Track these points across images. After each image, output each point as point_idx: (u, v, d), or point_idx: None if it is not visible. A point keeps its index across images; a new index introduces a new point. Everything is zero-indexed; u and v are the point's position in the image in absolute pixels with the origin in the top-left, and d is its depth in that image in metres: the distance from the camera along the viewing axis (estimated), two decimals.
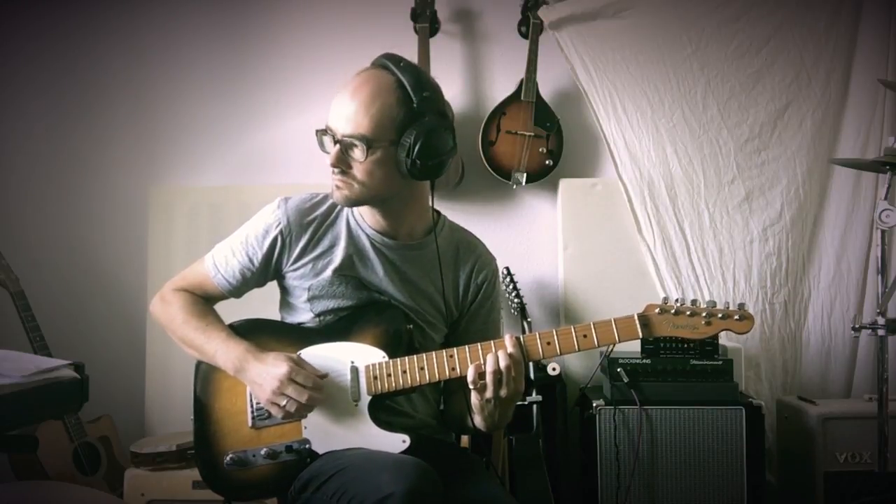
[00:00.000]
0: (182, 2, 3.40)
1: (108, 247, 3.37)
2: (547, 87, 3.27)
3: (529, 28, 3.22)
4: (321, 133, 1.72)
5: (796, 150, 3.22)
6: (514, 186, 3.22)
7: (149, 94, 3.40)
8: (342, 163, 1.69)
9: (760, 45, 3.23)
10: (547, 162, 3.20)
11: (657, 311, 1.66)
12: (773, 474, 3.03)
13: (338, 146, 1.68)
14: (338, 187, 1.72)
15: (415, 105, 1.66)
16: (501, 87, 3.31)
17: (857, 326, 2.56)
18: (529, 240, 3.36)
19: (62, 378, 1.61)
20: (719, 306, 1.66)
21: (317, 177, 2.98)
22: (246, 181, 3.34)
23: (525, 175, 3.19)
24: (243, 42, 3.39)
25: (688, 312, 1.65)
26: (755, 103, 3.23)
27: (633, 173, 3.22)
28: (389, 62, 1.70)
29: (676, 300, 1.67)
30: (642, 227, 3.21)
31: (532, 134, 3.20)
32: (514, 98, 3.23)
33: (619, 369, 2.70)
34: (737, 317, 1.65)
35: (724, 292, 3.18)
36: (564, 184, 3.26)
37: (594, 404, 2.71)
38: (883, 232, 2.56)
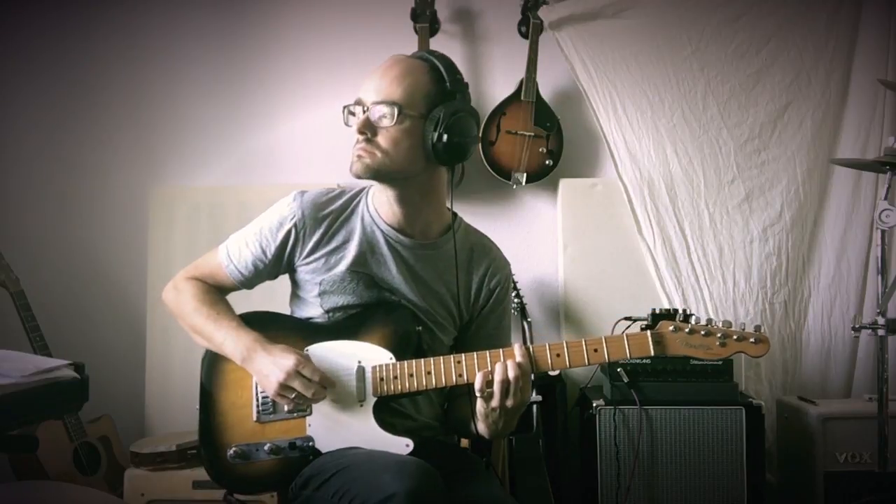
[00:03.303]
0: (182, 2, 3.40)
1: (108, 247, 3.37)
2: (547, 87, 3.27)
3: (529, 28, 3.22)
4: (348, 108, 1.73)
5: (796, 150, 3.23)
6: (514, 186, 3.21)
7: (149, 94, 3.40)
8: (368, 128, 1.68)
9: (760, 45, 3.23)
10: (547, 162, 3.20)
11: (671, 328, 1.63)
12: (773, 474, 3.03)
13: (366, 113, 1.69)
14: (359, 156, 1.70)
15: (447, 84, 1.70)
16: (501, 87, 3.31)
17: (857, 326, 2.56)
18: (529, 240, 3.36)
19: (62, 378, 1.60)
20: (735, 327, 1.63)
21: (316, 177, 3.01)
22: (246, 181, 3.34)
23: (525, 175, 3.19)
24: (243, 42, 3.39)
25: (702, 332, 1.62)
26: (755, 103, 3.23)
27: (633, 173, 3.22)
28: (425, 53, 1.76)
29: (690, 315, 1.64)
30: (642, 227, 3.21)
31: (532, 134, 3.20)
32: (514, 98, 3.23)
33: (619, 369, 2.70)
34: (752, 339, 1.62)
35: (724, 292, 3.18)
36: (564, 184, 3.26)
37: (594, 404, 2.71)
38: (883, 232, 2.56)
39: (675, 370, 2.71)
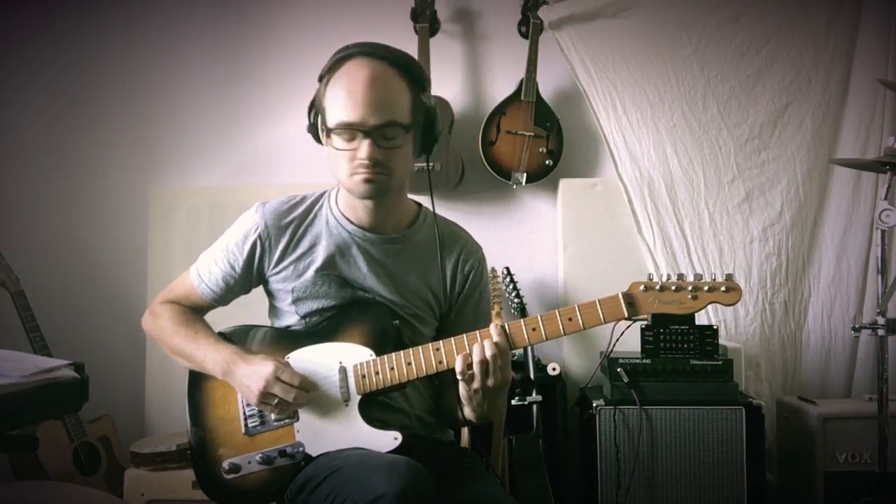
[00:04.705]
0: (181, 2, 3.40)
1: (108, 247, 3.37)
2: (547, 87, 3.27)
3: (529, 28, 3.22)
4: (332, 133, 1.66)
5: (796, 150, 3.23)
6: (514, 186, 3.21)
7: (148, 94, 3.40)
8: (378, 153, 1.65)
9: (760, 45, 3.23)
10: (547, 162, 3.21)
11: (642, 288, 1.63)
12: (773, 474, 3.03)
13: (369, 140, 1.64)
14: (370, 181, 1.67)
15: (417, 86, 1.70)
16: (501, 87, 3.31)
17: (857, 326, 2.56)
18: (529, 240, 3.36)
19: (62, 378, 1.60)
20: (706, 279, 1.64)
21: (315, 177, 3.00)
22: (245, 181, 3.34)
23: (525, 175, 3.19)
24: (243, 43, 3.39)
25: (673, 287, 1.63)
26: (755, 103, 3.23)
27: (633, 173, 3.22)
28: (380, 50, 1.67)
29: (662, 276, 1.64)
30: (642, 227, 3.21)
31: (532, 134, 3.20)
32: (514, 98, 3.23)
33: (619, 369, 2.70)
34: (723, 288, 1.63)
35: None
36: (564, 184, 3.26)
37: (594, 404, 2.70)
38: (883, 232, 2.56)
39: (675, 370, 2.71)
